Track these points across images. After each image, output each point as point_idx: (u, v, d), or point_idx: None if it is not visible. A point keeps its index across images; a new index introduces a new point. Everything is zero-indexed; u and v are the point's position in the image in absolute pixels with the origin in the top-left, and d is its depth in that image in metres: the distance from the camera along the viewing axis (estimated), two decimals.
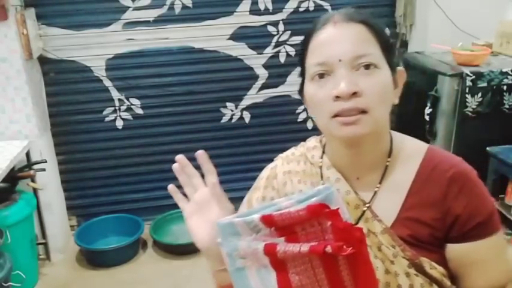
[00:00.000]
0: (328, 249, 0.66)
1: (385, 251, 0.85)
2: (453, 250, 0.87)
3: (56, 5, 2.78)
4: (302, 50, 0.89)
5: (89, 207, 3.16)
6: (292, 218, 0.70)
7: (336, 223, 0.68)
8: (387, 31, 0.80)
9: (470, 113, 2.36)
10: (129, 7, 2.84)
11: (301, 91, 0.92)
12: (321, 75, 0.83)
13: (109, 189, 3.16)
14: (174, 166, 0.88)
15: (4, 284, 2.16)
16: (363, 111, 0.80)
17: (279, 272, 0.73)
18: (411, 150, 0.92)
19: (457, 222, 0.85)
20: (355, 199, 0.89)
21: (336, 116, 0.81)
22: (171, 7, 2.87)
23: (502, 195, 2.30)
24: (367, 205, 0.89)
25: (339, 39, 0.82)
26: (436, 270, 0.85)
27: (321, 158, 0.96)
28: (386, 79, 0.84)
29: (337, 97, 0.80)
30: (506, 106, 2.38)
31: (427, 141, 2.74)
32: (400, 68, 0.89)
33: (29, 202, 2.58)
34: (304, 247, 0.68)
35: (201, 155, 0.86)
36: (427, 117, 2.42)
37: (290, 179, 0.98)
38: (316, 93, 0.84)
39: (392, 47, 0.87)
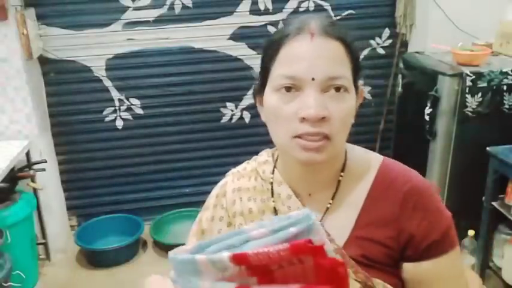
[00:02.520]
0: None
1: None
2: (409, 270, 0.83)
3: (56, 5, 2.78)
4: (269, 55, 0.81)
5: (89, 207, 3.16)
6: (271, 259, 0.59)
7: (320, 261, 0.59)
8: (359, 49, 0.76)
9: (470, 113, 2.35)
10: (129, 7, 2.84)
11: (256, 94, 0.86)
12: (288, 89, 0.77)
13: (109, 189, 3.16)
14: None
15: (4, 284, 2.16)
16: (326, 137, 0.76)
17: None
18: (365, 165, 0.88)
19: (412, 241, 0.82)
20: None
21: (297, 137, 0.77)
22: (171, 7, 2.87)
23: (502, 195, 2.30)
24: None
25: (316, 56, 0.75)
26: None
27: (272, 173, 0.91)
28: (352, 104, 0.80)
29: (304, 118, 0.75)
30: (506, 106, 2.38)
31: (427, 141, 2.73)
32: (362, 88, 0.86)
33: (29, 202, 2.57)
34: None
35: None
36: (427, 117, 2.42)
37: (239, 196, 0.93)
38: (281, 108, 0.78)
39: (360, 67, 0.83)
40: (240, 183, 0.95)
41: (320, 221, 0.85)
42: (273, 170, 0.92)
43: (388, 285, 0.81)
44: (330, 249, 0.62)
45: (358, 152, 0.91)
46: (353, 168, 0.87)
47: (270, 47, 0.81)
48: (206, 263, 0.63)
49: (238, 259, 0.60)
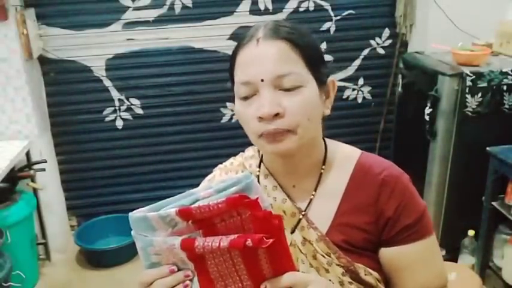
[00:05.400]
0: (249, 243, 0.65)
1: (320, 260, 0.86)
2: (385, 254, 0.88)
3: (56, 5, 2.78)
4: (231, 66, 0.88)
5: (89, 207, 3.16)
6: (211, 211, 0.68)
7: (255, 213, 0.67)
8: (318, 44, 0.81)
9: (470, 113, 2.36)
10: (129, 7, 2.83)
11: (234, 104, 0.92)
12: (246, 97, 0.84)
13: (109, 189, 3.16)
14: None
15: (4, 284, 2.16)
16: (288, 131, 0.81)
17: (197, 264, 0.72)
18: (345, 157, 0.94)
19: (387, 225, 0.87)
20: (291, 207, 0.90)
21: (261, 135, 0.83)
22: (171, 7, 2.87)
23: (502, 195, 2.30)
24: (303, 213, 0.90)
25: (261, 59, 0.81)
26: (371, 276, 0.86)
27: (259, 167, 0.98)
28: (311, 96, 0.83)
29: (261, 118, 0.81)
30: (506, 106, 2.38)
31: (427, 141, 2.73)
32: (331, 79, 0.90)
33: (29, 202, 2.58)
34: (224, 242, 0.67)
35: None
36: (427, 117, 2.42)
37: None
38: (244, 112, 0.84)
39: (320, 59, 0.88)
40: (227, 177, 0.99)
41: (304, 210, 0.90)
42: (259, 164, 0.98)
43: (369, 269, 0.87)
44: (266, 204, 0.70)
45: (338, 145, 0.97)
46: (333, 161, 0.93)
47: (230, 58, 0.88)
48: (157, 219, 0.71)
49: (184, 213, 0.69)
